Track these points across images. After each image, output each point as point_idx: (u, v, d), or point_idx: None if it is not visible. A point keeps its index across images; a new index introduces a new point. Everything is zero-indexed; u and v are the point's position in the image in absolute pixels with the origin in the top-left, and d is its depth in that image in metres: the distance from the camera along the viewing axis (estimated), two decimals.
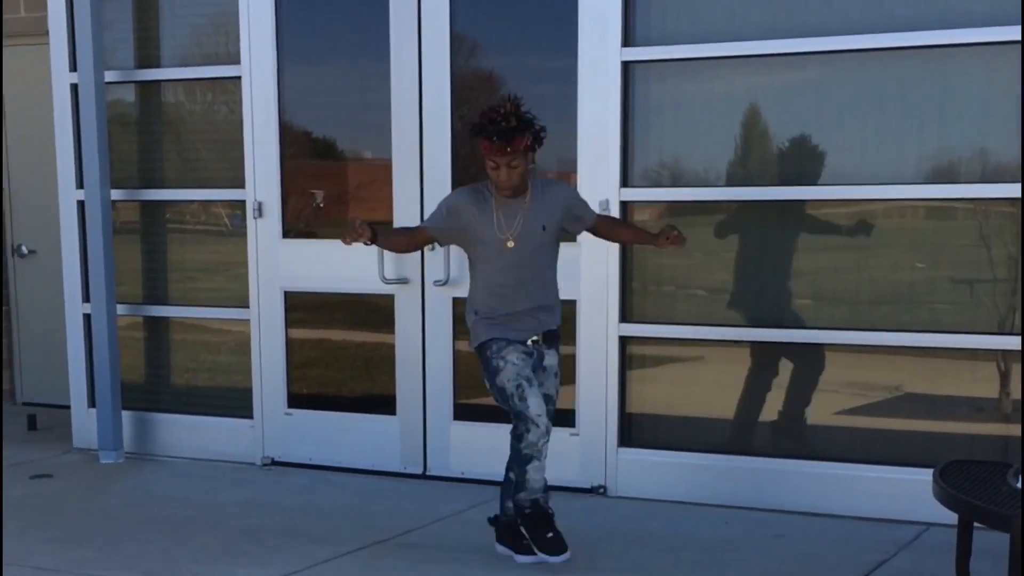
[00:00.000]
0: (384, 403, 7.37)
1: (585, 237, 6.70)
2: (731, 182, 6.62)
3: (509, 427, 6.92)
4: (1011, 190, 5.97)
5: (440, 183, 6.99)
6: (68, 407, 8.33)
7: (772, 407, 6.68)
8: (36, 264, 9.67)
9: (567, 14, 6.66)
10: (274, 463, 7.68)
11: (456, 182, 6.96)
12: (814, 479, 6.44)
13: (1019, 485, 4.51)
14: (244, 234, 7.65)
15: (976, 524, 4.67)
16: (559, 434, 6.90)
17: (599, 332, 6.79)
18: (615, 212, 6.63)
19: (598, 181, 6.69)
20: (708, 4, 6.54)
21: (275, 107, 7.43)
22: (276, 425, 7.68)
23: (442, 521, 6.29)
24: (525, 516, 5.58)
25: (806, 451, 6.55)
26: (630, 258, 6.75)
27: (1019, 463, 4.72)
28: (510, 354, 5.49)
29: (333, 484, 7.16)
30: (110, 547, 6.03)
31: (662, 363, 6.97)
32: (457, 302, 7.09)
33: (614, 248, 6.66)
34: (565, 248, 6.73)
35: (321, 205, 7.67)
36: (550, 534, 5.56)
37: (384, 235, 5.68)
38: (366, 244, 5.56)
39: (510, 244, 5.49)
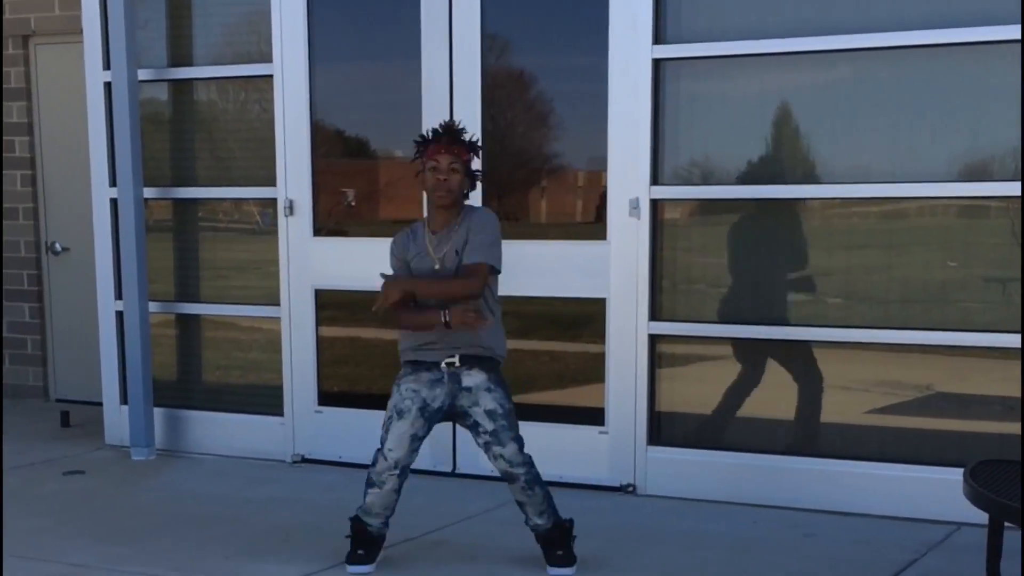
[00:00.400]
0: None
1: (615, 235, 6.74)
2: (761, 180, 6.60)
3: (540, 424, 6.97)
4: None
5: None
6: (100, 404, 8.38)
7: (802, 405, 6.67)
8: (69, 262, 9.74)
9: (598, 12, 6.66)
10: (304, 460, 7.70)
11: (487, 181, 6.94)
12: (844, 478, 6.42)
13: None
14: (275, 232, 7.67)
15: (1007, 524, 4.64)
16: (588, 432, 6.96)
17: (628, 330, 6.79)
18: (645, 210, 6.65)
19: (628, 179, 6.69)
20: (739, 1, 6.53)
21: (307, 106, 7.45)
22: (306, 423, 7.70)
23: (471, 519, 6.30)
24: (354, 528, 5.63)
25: (836, 450, 6.53)
26: (659, 256, 6.75)
27: None
28: (406, 382, 5.49)
29: (363, 482, 7.16)
30: (141, 543, 6.06)
31: (691, 361, 6.97)
32: None
33: (643, 246, 6.67)
34: (595, 246, 6.80)
35: (352, 203, 7.70)
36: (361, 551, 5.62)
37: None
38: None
39: (437, 267, 5.42)
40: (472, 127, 6.93)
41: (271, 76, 7.55)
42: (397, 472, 5.49)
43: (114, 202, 7.98)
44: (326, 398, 7.67)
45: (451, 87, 7.05)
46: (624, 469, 6.89)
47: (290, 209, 7.55)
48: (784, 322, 6.62)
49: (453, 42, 7.04)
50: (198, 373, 8.25)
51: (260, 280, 7.92)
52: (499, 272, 5.48)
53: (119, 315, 8.07)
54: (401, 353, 5.60)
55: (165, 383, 8.16)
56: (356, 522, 5.61)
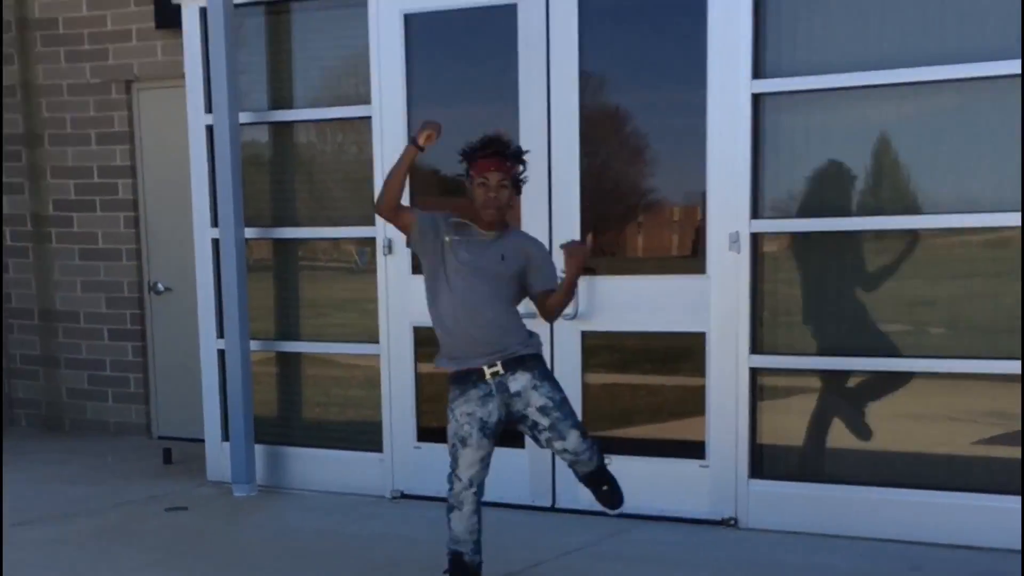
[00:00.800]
0: (513, 436, 7.37)
1: (714, 268, 6.73)
2: (862, 211, 6.59)
3: (640, 459, 6.97)
4: None
5: (568, 219, 7.05)
6: (202, 441, 8.47)
7: (907, 437, 6.61)
8: (171, 301, 9.90)
9: (696, 48, 6.69)
10: (403, 496, 7.75)
11: (584, 219, 7.01)
12: (951, 510, 6.36)
13: None
14: (373, 270, 7.75)
15: None
16: (688, 466, 6.94)
17: (729, 364, 6.78)
18: (746, 244, 6.66)
19: (728, 213, 6.70)
20: (838, 34, 6.53)
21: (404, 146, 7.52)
22: (405, 458, 7.75)
23: (572, 554, 6.30)
24: (450, 563, 5.61)
25: (943, 481, 6.46)
26: (760, 289, 6.74)
27: None
28: (459, 406, 5.50)
29: None
30: None
31: (793, 394, 6.93)
32: (586, 336, 7.15)
33: (743, 280, 6.68)
34: (694, 280, 6.80)
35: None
36: None
37: (408, 164, 5.64)
38: (413, 145, 5.54)
39: (466, 255, 5.45)
40: (569, 164, 7.06)
41: (369, 118, 7.64)
42: (474, 490, 5.51)
43: (216, 242, 8.10)
44: (425, 434, 7.70)
45: (548, 126, 7.10)
46: (725, 503, 6.87)
47: (388, 248, 7.63)
48: (887, 353, 6.57)
49: (551, 81, 7.10)
50: (298, 410, 8.33)
51: (359, 318, 7.99)
52: None
53: (220, 353, 8.17)
54: (437, 361, 5.63)
55: (266, 420, 8.24)
56: (451, 554, 5.61)
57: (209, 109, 8.01)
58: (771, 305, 6.78)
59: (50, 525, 7.25)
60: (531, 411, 5.51)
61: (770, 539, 6.61)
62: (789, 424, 6.87)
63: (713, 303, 6.80)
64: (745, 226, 6.67)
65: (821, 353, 6.72)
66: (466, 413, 5.47)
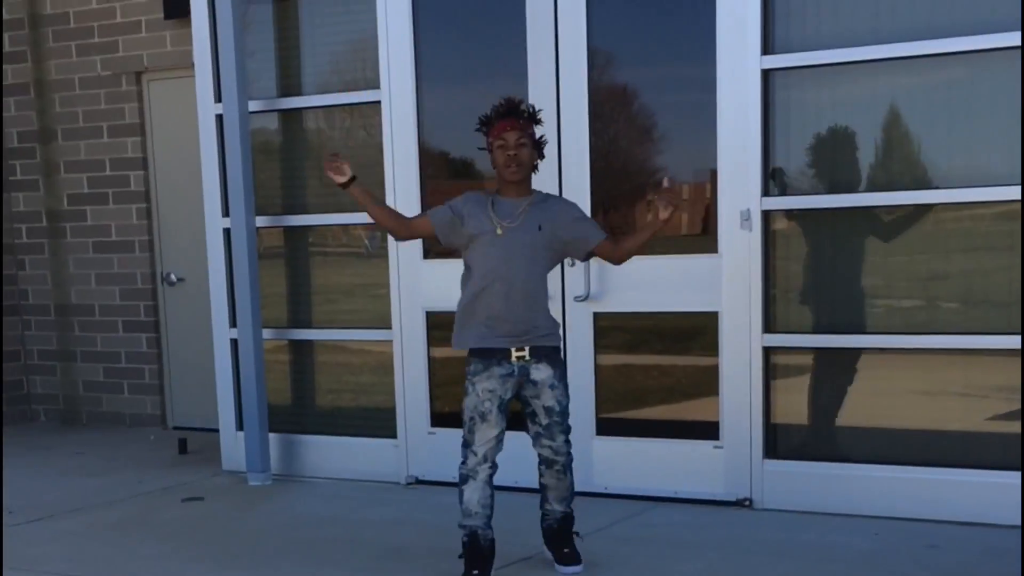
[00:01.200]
0: (523, 419, 7.36)
1: (726, 247, 6.67)
2: (874, 187, 6.52)
3: (653, 440, 6.94)
4: None
5: (578, 197, 6.95)
6: (217, 431, 8.47)
7: (921, 414, 6.54)
8: (184, 291, 9.90)
9: (706, 24, 6.63)
10: (418, 482, 7.72)
11: (595, 197, 6.97)
12: (968, 487, 6.29)
13: None
14: (385, 256, 7.72)
15: None
16: (702, 446, 6.89)
17: (742, 343, 6.72)
18: (757, 221, 6.60)
19: (738, 191, 6.64)
20: (848, 8, 6.46)
21: (414, 129, 7.51)
22: (420, 444, 7.72)
23: (587, 537, 6.24)
24: (465, 545, 5.66)
25: (957, 459, 6.39)
26: (772, 267, 6.68)
27: None
28: (481, 381, 5.55)
29: None
30: (261, 567, 6.11)
31: (806, 372, 6.86)
32: (598, 317, 7.10)
33: (755, 258, 6.61)
34: (705, 259, 6.74)
35: None
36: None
37: (370, 196, 5.75)
38: (340, 185, 5.64)
39: (499, 231, 5.49)
40: (579, 142, 7.02)
41: (378, 102, 7.62)
42: (488, 464, 5.62)
43: (227, 232, 8.09)
44: (439, 419, 7.68)
45: (558, 103, 7.05)
46: (740, 483, 6.81)
47: None
48: (900, 330, 6.51)
49: (559, 59, 7.05)
50: (312, 398, 8.31)
51: (370, 304, 7.97)
52: None
53: (233, 343, 8.16)
54: (456, 337, 5.66)
55: (280, 408, 8.23)
56: (466, 534, 5.65)
57: (219, 98, 8.00)
58: (783, 283, 6.72)
59: (68, 518, 7.25)
60: (537, 404, 5.64)
61: (785, 519, 6.55)
62: (803, 403, 6.81)
63: (725, 282, 6.73)
64: (756, 204, 6.61)
65: (834, 331, 6.65)
66: (488, 390, 5.55)
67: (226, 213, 8.08)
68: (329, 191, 8.05)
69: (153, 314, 10.05)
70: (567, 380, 5.72)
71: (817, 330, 6.68)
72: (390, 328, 7.74)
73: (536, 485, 5.92)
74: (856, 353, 6.68)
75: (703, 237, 6.94)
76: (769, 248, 6.67)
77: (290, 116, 8.17)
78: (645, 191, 7.23)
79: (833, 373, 6.78)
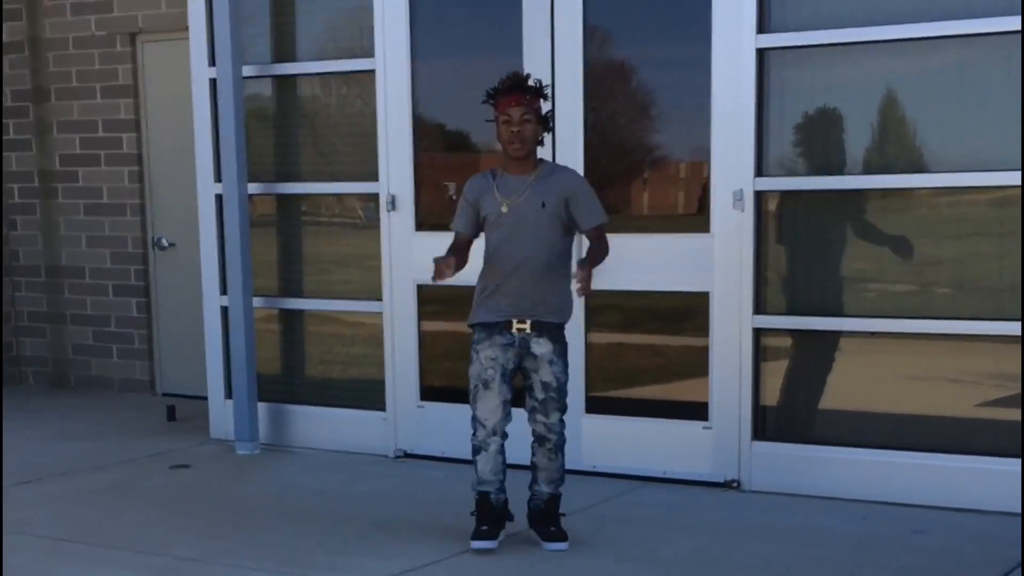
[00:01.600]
0: (513, 396, 7.35)
1: (718, 227, 6.64)
2: (868, 170, 6.48)
3: (643, 420, 6.93)
4: None
5: None
6: (205, 398, 8.45)
7: (911, 399, 6.53)
8: (175, 257, 9.85)
9: (701, 2, 6.57)
10: (407, 455, 7.70)
11: (588, 173, 6.91)
12: (957, 473, 6.28)
13: None
14: (377, 227, 7.68)
15: None
16: (692, 427, 6.88)
17: (732, 324, 6.70)
18: (749, 202, 6.56)
19: (732, 171, 6.60)
20: None
21: (408, 100, 7.45)
22: (409, 418, 7.70)
23: (574, 515, 6.24)
24: (477, 504, 5.84)
25: (946, 444, 6.37)
26: (764, 248, 6.65)
27: None
28: (484, 349, 5.69)
29: (467, 477, 7.16)
30: (246, 537, 6.11)
31: (797, 355, 6.82)
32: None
33: (747, 239, 6.59)
34: (698, 239, 6.71)
35: (454, 197, 7.67)
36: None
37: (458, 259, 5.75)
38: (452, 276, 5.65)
39: (504, 209, 5.61)
40: (574, 119, 6.97)
41: (373, 71, 7.55)
42: (497, 435, 5.74)
43: (219, 198, 8.04)
44: (428, 393, 7.66)
45: (553, 79, 6.98)
46: (728, 465, 6.80)
47: (392, 204, 7.55)
48: (891, 314, 6.48)
49: (555, 34, 6.99)
50: (301, 368, 8.29)
51: (362, 275, 7.93)
52: None
53: (224, 310, 8.14)
54: (471, 315, 5.80)
55: (269, 378, 8.20)
56: (477, 495, 5.81)
57: (213, 62, 7.95)
58: (775, 265, 6.69)
59: (55, 482, 7.25)
60: (535, 378, 5.74)
61: (773, 501, 6.55)
62: (793, 386, 6.78)
63: (717, 262, 6.71)
64: (749, 184, 6.57)
65: (825, 314, 6.62)
66: (490, 358, 5.68)
67: (218, 179, 8.03)
68: (323, 159, 8.04)
69: (143, 279, 10.00)
70: (568, 359, 5.78)
71: (808, 312, 6.65)
72: (381, 300, 7.71)
73: (527, 463, 5.91)
74: (846, 336, 6.65)
75: (696, 216, 6.92)
76: (761, 229, 6.63)
77: (285, 82, 8.11)
78: (641, 169, 7.21)
79: (823, 356, 6.76)
